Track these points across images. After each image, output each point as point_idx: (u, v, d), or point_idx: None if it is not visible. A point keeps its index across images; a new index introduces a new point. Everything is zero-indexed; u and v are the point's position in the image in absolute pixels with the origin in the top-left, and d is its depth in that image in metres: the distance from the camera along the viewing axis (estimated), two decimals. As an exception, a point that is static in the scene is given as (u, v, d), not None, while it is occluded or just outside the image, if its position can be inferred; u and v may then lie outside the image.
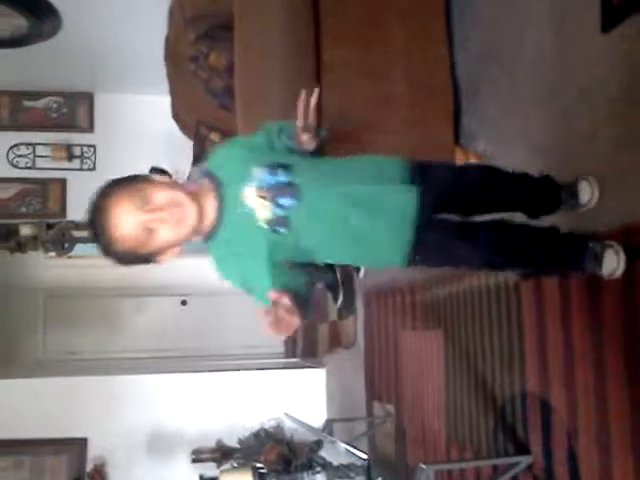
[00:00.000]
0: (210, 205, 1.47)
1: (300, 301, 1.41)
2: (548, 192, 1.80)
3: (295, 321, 1.35)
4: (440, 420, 2.83)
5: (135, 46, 4.19)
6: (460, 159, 2.47)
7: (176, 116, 3.98)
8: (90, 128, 5.12)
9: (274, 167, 1.48)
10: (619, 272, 1.64)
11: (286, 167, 1.49)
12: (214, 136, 3.71)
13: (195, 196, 1.45)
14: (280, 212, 1.45)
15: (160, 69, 3.68)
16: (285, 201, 1.45)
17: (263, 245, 1.46)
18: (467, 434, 2.60)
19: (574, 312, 1.89)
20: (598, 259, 1.64)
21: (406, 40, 2.51)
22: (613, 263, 1.63)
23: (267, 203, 1.45)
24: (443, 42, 2.57)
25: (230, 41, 2.61)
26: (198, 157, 3.85)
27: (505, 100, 2.38)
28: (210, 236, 1.49)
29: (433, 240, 1.56)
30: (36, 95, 5.02)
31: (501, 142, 2.41)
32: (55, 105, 5.08)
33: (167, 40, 3.51)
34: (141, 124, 4.94)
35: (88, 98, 5.09)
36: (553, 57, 2.11)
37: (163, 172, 3.76)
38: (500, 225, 1.65)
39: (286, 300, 1.33)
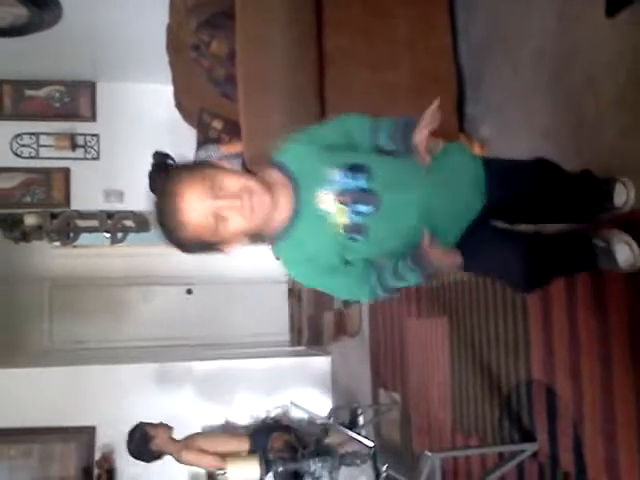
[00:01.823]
0: (284, 201, 1.39)
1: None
2: (589, 193, 1.71)
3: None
4: (446, 408, 2.83)
5: (137, 34, 4.16)
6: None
7: (179, 104, 3.96)
8: (93, 117, 5.10)
9: (351, 169, 1.39)
10: (638, 264, 1.61)
11: (363, 169, 1.40)
12: (217, 123, 3.69)
13: (269, 187, 1.37)
14: (357, 219, 1.38)
15: (162, 57, 3.66)
16: (363, 208, 1.38)
17: (336, 248, 1.41)
18: (472, 422, 2.60)
19: (579, 300, 1.88)
20: (609, 254, 1.62)
21: (409, 29, 2.49)
22: (627, 254, 1.61)
23: (344, 208, 1.38)
24: (446, 30, 2.55)
25: (232, 29, 2.59)
26: (201, 144, 3.84)
27: (509, 87, 2.36)
28: (282, 235, 1.42)
29: (475, 241, 1.52)
30: (38, 84, 5.01)
31: (505, 129, 2.39)
32: (57, 94, 5.05)
33: (169, 28, 3.50)
34: (144, 112, 4.92)
35: (90, 87, 5.07)
36: (557, 43, 2.09)
37: (167, 157, 3.77)
38: (525, 238, 1.63)
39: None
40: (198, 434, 3.83)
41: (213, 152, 3.35)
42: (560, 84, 2.07)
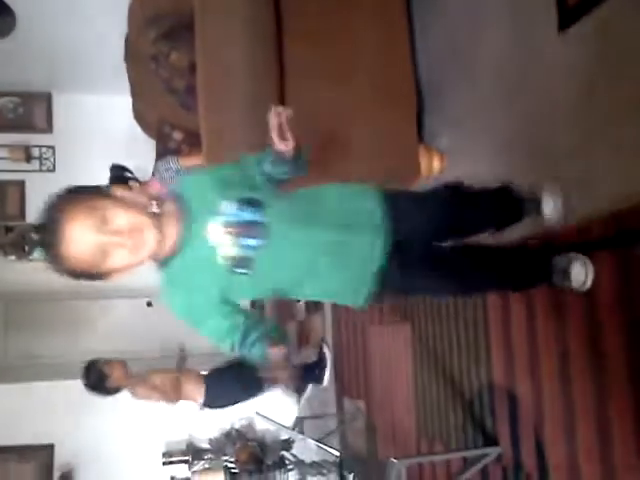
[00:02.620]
0: (171, 231, 1.39)
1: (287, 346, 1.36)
2: (510, 203, 1.79)
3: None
4: (410, 414, 2.86)
5: (94, 44, 4.10)
6: (424, 157, 2.50)
7: (137, 116, 3.92)
8: (49, 129, 5.00)
9: (243, 203, 1.40)
10: (589, 284, 1.69)
11: (256, 204, 1.41)
12: (177, 134, 3.67)
13: (158, 219, 1.37)
14: (245, 252, 1.38)
15: (120, 68, 3.62)
16: (251, 241, 1.38)
17: (219, 283, 1.40)
18: (437, 427, 2.63)
19: (537, 305, 1.93)
20: (566, 272, 1.69)
21: (368, 41, 2.52)
22: (582, 275, 1.68)
23: (232, 240, 1.38)
24: (405, 42, 2.58)
25: (191, 40, 2.58)
26: (161, 155, 3.80)
27: (467, 99, 2.42)
28: (164, 263, 1.42)
29: (396, 284, 1.55)
30: (-9, 95, 4.90)
31: (463, 140, 2.44)
32: (11, 105, 4.95)
33: (127, 39, 3.46)
34: (101, 124, 4.85)
35: (46, 98, 4.97)
36: (512, 56, 2.15)
37: (124, 169, 3.71)
38: (463, 253, 1.67)
39: (283, 354, 1.31)
40: (154, 371, 3.75)
41: (173, 164, 3.33)
42: (516, 97, 2.12)
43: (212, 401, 3.66)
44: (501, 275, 1.71)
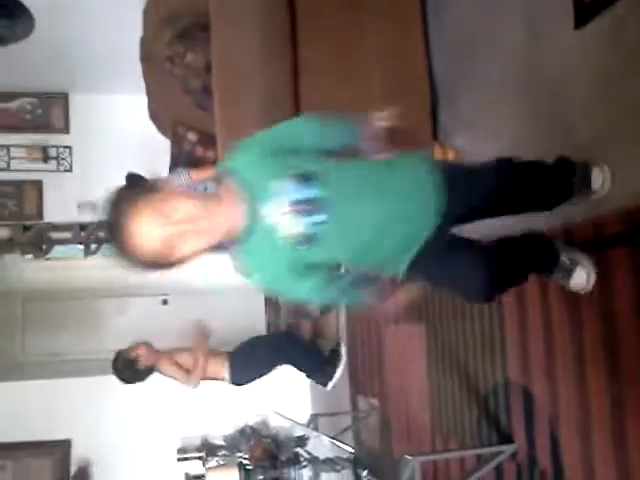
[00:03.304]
0: (235, 212, 1.37)
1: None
2: (562, 179, 1.75)
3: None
4: (424, 412, 2.86)
5: (110, 46, 4.14)
6: (439, 155, 2.50)
7: (153, 116, 3.96)
8: (66, 129, 5.06)
9: (302, 179, 1.38)
10: (589, 289, 1.71)
11: (314, 177, 1.39)
12: (192, 136, 3.70)
13: (218, 204, 1.37)
14: (308, 229, 1.38)
15: (136, 69, 3.65)
16: (314, 218, 1.37)
17: (286, 258, 1.40)
18: (451, 425, 2.63)
19: (553, 303, 1.93)
20: (568, 273, 1.71)
21: (382, 39, 2.53)
22: (583, 281, 1.71)
23: (294, 219, 1.37)
24: (420, 40, 2.59)
25: (207, 41, 2.61)
26: (176, 157, 3.84)
27: (482, 97, 2.42)
28: (240, 243, 1.41)
29: (434, 258, 1.53)
30: (10, 97, 4.95)
31: (478, 137, 2.44)
32: (29, 106, 5.00)
33: (143, 40, 3.49)
34: (117, 124, 4.89)
35: (63, 99, 5.03)
36: (528, 53, 2.14)
37: (140, 178, 3.75)
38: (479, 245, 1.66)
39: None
40: (179, 349, 3.79)
41: (183, 178, 3.36)
42: (530, 95, 2.12)
43: (238, 377, 3.70)
44: (508, 271, 1.68)
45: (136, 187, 1.39)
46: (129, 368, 3.60)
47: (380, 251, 1.49)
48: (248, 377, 3.78)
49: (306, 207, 1.37)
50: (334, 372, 3.89)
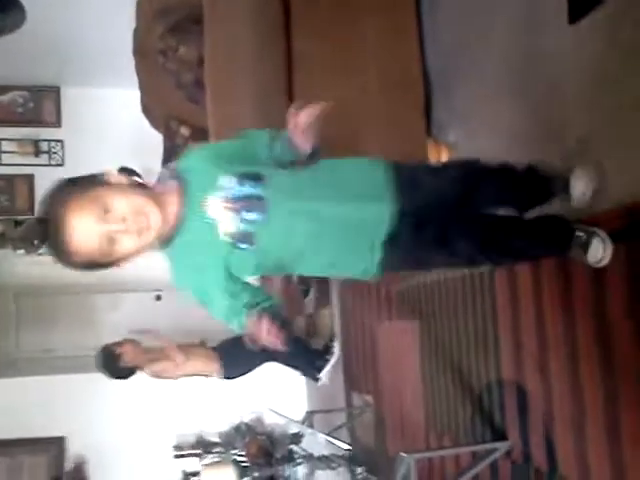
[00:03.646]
0: (172, 208, 1.37)
1: (277, 318, 1.35)
2: (535, 184, 1.72)
3: (281, 336, 1.33)
4: (419, 409, 2.86)
5: (102, 39, 4.11)
6: (432, 151, 2.49)
7: (145, 110, 3.92)
8: (57, 123, 5.02)
9: (244, 177, 1.38)
10: (605, 261, 1.62)
11: (257, 178, 1.39)
12: (184, 130, 3.67)
13: (158, 198, 1.36)
14: (245, 227, 1.36)
15: (128, 62, 3.62)
16: (251, 215, 1.36)
17: (222, 259, 1.38)
18: (446, 421, 2.63)
19: (546, 298, 1.92)
20: (584, 247, 1.62)
21: (377, 34, 2.51)
22: (599, 252, 1.62)
23: (232, 215, 1.36)
24: (414, 35, 2.58)
25: (200, 34, 2.59)
26: (168, 151, 3.81)
27: (476, 92, 2.40)
28: (168, 241, 1.40)
29: (407, 250, 1.50)
30: (1, 90, 4.92)
31: (472, 133, 2.43)
32: (21, 100, 4.97)
33: (135, 33, 3.46)
34: (110, 118, 4.86)
35: (55, 92, 4.99)
36: (522, 48, 2.13)
37: (132, 172, 3.73)
38: (482, 223, 1.61)
39: (265, 324, 1.30)
40: (164, 348, 3.74)
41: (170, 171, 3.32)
42: (525, 89, 2.11)
43: (231, 371, 3.67)
44: (522, 250, 1.64)
45: (77, 181, 1.35)
46: (111, 363, 3.55)
47: (318, 256, 1.47)
48: (239, 371, 3.74)
49: (244, 204, 1.36)
50: (322, 367, 3.85)
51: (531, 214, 1.72)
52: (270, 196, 1.38)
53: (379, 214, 1.46)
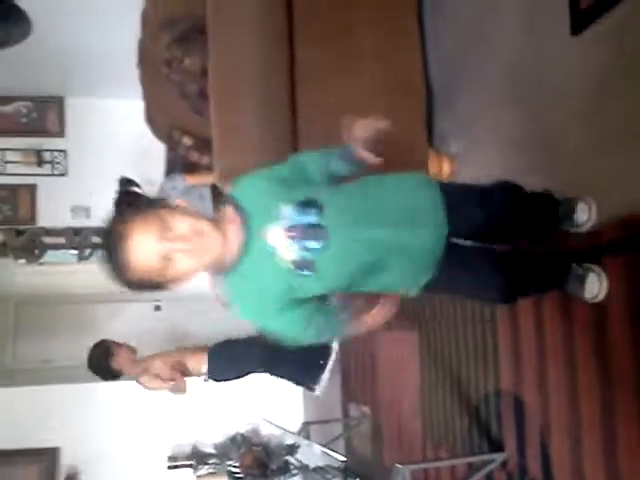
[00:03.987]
0: (233, 236, 1.38)
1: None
2: (549, 213, 1.77)
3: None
4: (415, 420, 2.85)
5: (107, 49, 4.15)
6: (434, 161, 2.50)
7: (149, 120, 3.95)
8: (61, 133, 5.05)
9: (303, 205, 1.41)
10: (601, 296, 1.68)
11: (315, 205, 1.41)
12: (187, 140, 3.68)
13: (219, 225, 1.38)
14: (306, 254, 1.38)
15: (132, 73, 3.65)
16: (312, 244, 1.38)
17: (284, 284, 1.40)
18: (442, 433, 2.62)
19: (546, 312, 1.93)
20: (581, 282, 1.68)
21: (379, 43, 2.53)
22: (596, 287, 1.67)
23: (294, 244, 1.38)
24: (416, 44, 2.59)
25: (204, 44, 2.61)
26: (171, 161, 3.83)
27: (478, 102, 2.42)
28: (230, 270, 1.41)
29: (448, 275, 1.54)
30: (5, 100, 4.95)
31: (474, 144, 2.44)
32: (25, 110, 5.00)
33: (140, 43, 3.49)
34: (113, 128, 4.89)
35: (58, 102, 5.02)
36: (525, 59, 2.15)
37: (132, 183, 3.74)
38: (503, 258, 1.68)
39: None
40: (157, 356, 3.71)
41: (179, 183, 3.34)
42: (528, 99, 2.12)
43: (215, 374, 3.63)
44: (520, 278, 1.69)
45: (142, 203, 1.39)
46: (103, 358, 3.54)
47: (378, 279, 1.49)
48: (225, 375, 3.70)
49: (306, 232, 1.39)
50: (319, 374, 3.81)
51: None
52: (331, 224, 1.40)
53: (437, 235, 1.50)
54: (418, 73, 2.57)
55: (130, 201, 1.41)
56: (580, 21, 1.84)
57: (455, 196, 1.56)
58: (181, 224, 1.31)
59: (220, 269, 1.42)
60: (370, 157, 1.50)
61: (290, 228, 1.38)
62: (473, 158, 2.42)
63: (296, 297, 1.44)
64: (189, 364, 3.60)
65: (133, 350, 3.62)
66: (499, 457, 2.13)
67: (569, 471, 1.82)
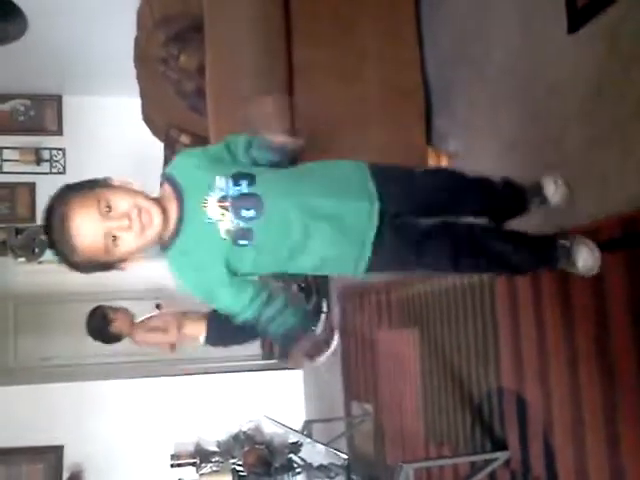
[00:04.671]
0: (171, 212, 1.42)
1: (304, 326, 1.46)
2: (511, 196, 1.78)
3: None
4: (418, 418, 2.85)
5: (103, 47, 4.14)
6: (432, 159, 2.49)
7: (146, 118, 3.94)
8: (59, 131, 5.04)
9: (237, 177, 1.43)
10: (596, 268, 1.63)
11: (249, 177, 1.44)
12: (184, 138, 3.68)
13: (157, 201, 1.41)
14: (242, 223, 1.41)
15: (130, 71, 3.64)
16: (247, 212, 1.41)
17: (222, 256, 1.41)
18: (445, 431, 2.62)
19: (546, 309, 1.92)
20: (571, 257, 1.64)
21: (377, 42, 2.52)
22: (589, 261, 1.62)
23: (228, 214, 1.40)
24: (414, 43, 2.59)
25: (201, 42, 2.60)
26: (169, 159, 3.82)
27: (475, 100, 2.41)
28: (169, 245, 1.44)
29: (392, 252, 1.54)
30: (3, 98, 4.94)
31: (472, 141, 2.43)
32: (22, 108, 4.99)
33: (136, 41, 3.48)
34: (111, 126, 4.88)
35: (56, 100, 5.01)
36: (522, 58, 2.14)
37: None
38: (464, 229, 1.64)
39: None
40: (154, 316, 3.75)
41: None
42: (525, 97, 2.11)
43: (214, 339, 3.63)
44: (504, 255, 1.64)
45: (79, 184, 1.39)
46: (101, 325, 3.55)
47: (310, 254, 1.50)
48: (221, 341, 3.70)
49: (242, 202, 1.41)
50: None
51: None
52: (265, 193, 1.43)
53: (368, 213, 1.50)
54: (416, 71, 2.56)
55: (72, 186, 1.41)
56: (576, 19, 1.83)
57: (390, 175, 1.59)
58: (122, 201, 1.34)
59: (161, 246, 1.45)
60: (289, 139, 1.53)
61: (224, 198, 1.41)
62: (472, 155, 2.40)
63: (236, 272, 1.45)
64: (187, 328, 3.62)
65: (129, 312, 3.63)
66: (502, 455, 2.12)
67: (572, 469, 1.82)
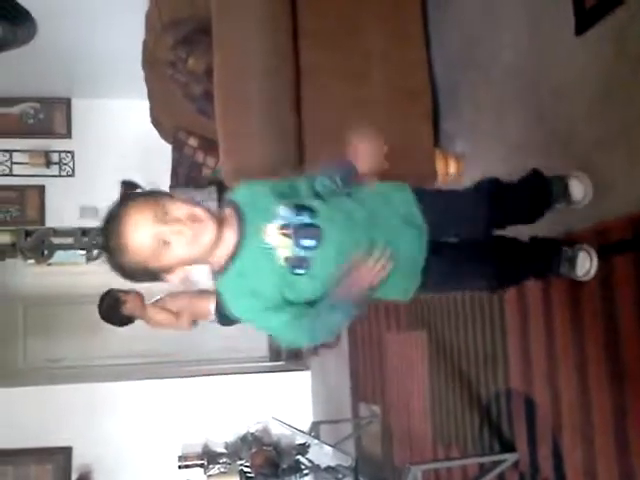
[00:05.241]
0: (229, 235, 1.42)
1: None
2: (541, 191, 1.80)
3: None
4: (426, 420, 2.84)
5: (112, 50, 4.15)
6: (440, 161, 2.49)
7: (155, 121, 3.95)
8: (68, 134, 5.06)
9: (300, 208, 1.46)
10: (592, 273, 1.72)
11: (310, 210, 1.47)
12: (192, 141, 3.69)
13: (215, 217, 1.40)
14: (301, 252, 1.42)
15: (138, 74, 3.66)
16: (307, 242, 1.43)
17: (278, 284, 1.43)
18: (453, 433, 2.61)
19: (555, 311, 1.92)
20: (572, 263, 1.73)
21: (384, 43, 2.52)
22: (586, 265, 1.72)
23: (290, 241, 1.42)
24: (421, 45, 2.58)
25: (209, 45, 2.60)
26: (177, 161, 3.83)
27: (483, 101, 2.41)
28: (225, 268, 1.43)
29: (437, 275, 1.60)
30: (12, 101, 4.96)
31: (479, 143, 2.43)
32: (32, 111, 5.02)
33: (145, 45, 3.50)
34: (120, 129, 4.90)
35: (65, 103, 5.04)
36: (529, 59, 2.14)
37: (135, 186, 3.74)
38: (493, 247, 1.72)
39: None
40: (167, 295, 3.75)
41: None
42: (532, 99, 2.11)
43: (223, 317, 3.64)
44: (510, 265, 1.73)
45: (143, 192, 1.42)
46: (113, 307, 3.57)
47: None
48: (230, 319, 3.70)
49: (300, 231, 1.43)
50: None
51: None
52: (324, 225, 1.45)
53: (420, 240, 1.56)
54: (423, 72, 2.56)
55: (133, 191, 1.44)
56: (584, 21, 1.83)
57: (434, 199, 1.64)
58: (178, 208, 1.36)
59: (215, 266, 1.45)
60: (371, 180, 1.58)
61: (285, 226, 1.43)
62: (479, 157, 2.40)
63: (289, 299, 1.45)
64: (198, 306, 3.63)
65: (140, 295, 3.64)
66: (511, 457, 2.12)
67: (581, 471, 1.81)
